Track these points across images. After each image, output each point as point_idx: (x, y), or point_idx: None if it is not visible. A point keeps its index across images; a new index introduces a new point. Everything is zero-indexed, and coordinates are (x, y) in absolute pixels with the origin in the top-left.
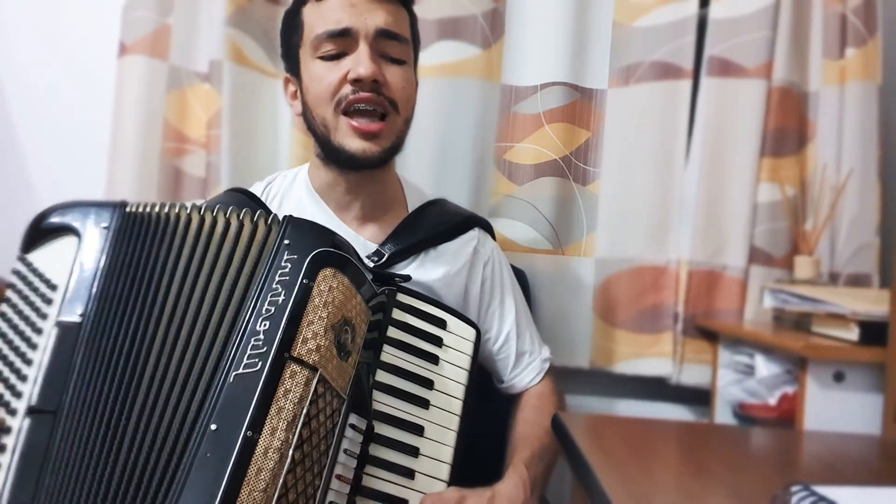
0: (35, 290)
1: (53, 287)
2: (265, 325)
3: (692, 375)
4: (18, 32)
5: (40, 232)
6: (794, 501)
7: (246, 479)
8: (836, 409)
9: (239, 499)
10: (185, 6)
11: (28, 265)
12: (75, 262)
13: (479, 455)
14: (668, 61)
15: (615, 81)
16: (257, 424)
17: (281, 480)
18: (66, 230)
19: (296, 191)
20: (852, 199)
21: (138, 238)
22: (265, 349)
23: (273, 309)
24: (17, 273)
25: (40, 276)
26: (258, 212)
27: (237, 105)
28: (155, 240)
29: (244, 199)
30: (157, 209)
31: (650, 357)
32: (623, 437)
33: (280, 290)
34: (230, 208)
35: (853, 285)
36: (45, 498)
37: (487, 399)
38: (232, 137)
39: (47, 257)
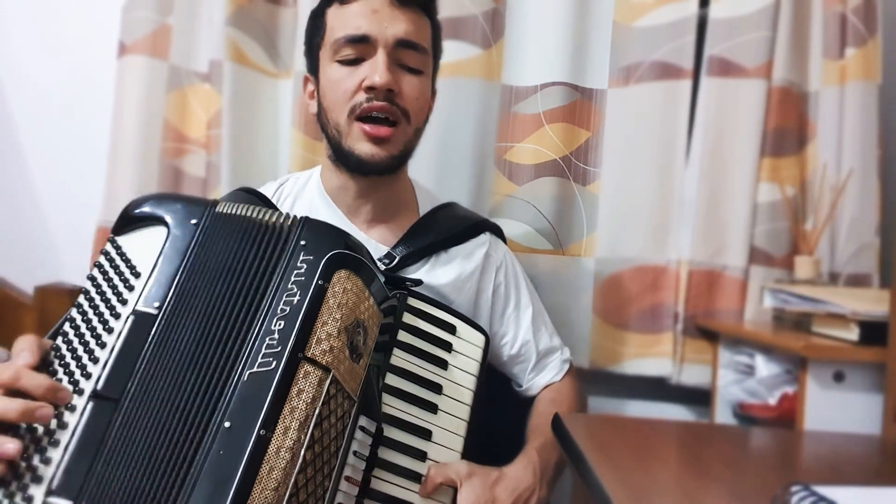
0: (120, 273)
1: (137, 274)
2: (280, 324)
3: (692, 375)
4: (18, 32)
5: (132, 218)
6: (794, 501)
7: (258, 477)
8: (836, 409)
9: (251, 497)
10: (185, 6)
11: (117, 248)
12: (161, 254)
13: (488, 461)
14: (668, 61)
15: (615, 81)
16: (270, 423)
17: (292, 480)
18: (157, 220)
19: (308, 193)
20: (852, 199)
21: (222, 238)
22: (280, 348)
23: (288, 309)
24: (105, 254)
25: (127, 260)
26: (284, 213)
27: (237, 105)
28: (237, 241)
29: (252, 199)
30: (246, 212)
31: (650, 357)
32: (623, 437)
33: (295, 290)
34: (264, 210)
35: (853, 285)
36: (94, 484)
37: (498, 405)
38: (232, 137)
39: (135, 243)
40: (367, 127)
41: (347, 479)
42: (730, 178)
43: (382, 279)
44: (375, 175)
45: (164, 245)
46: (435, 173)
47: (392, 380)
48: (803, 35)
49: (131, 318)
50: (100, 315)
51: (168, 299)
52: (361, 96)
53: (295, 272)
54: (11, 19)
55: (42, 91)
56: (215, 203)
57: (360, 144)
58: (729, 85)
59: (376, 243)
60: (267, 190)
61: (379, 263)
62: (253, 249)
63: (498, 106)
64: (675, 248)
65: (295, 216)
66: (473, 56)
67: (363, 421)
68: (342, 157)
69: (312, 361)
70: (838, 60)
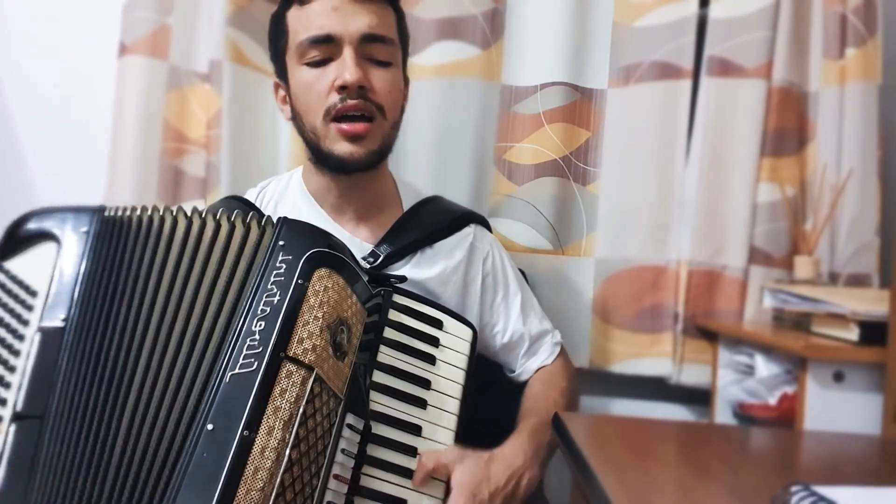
0: (15, 297)
1: (34, 293)
2: (261, 325)
3: (692, 375)
4: (18, 32)
5: (18, 239)
6: (794, 501)
7: (243, 478)
8: (836, 409)
9: (236, 498)
10: (185, 6)
11: (6, 273)
12: (55, 268)
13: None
14: (668, 61)
15: (615, 81)
16: (254, 424)
17: (278, 480)
18: (45, 236)
19: (290, 194)
20: (852, 199)
21: (118, 242)
22: (261, 349)
23: (268, 309)
24: None
25: (20, 283)
26: (251, 213)
27: (237, 105)
28: (136, 243)
29: (240, 205)
30: (136, 213)
31: (650, 357)
32: (623, 437)
33: (275, 290)
34: (220, 210)
35: (853, 285)
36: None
37: (488, 395)
38: (232, 137)
39: (26, 264)
40: (343, 126)
41: (336, 477)
42: (730, 178)
43: (365, 277)
44: (357, 173)
45: (57, 258)
46: (435, 173)
47: (380, 377)
48: (803, 35)
49: (38, 335)
50: (2, 341)
51: (72, 310)
52: (334, 97)
53: (274, 272)
54: (11, 19)
55: (42, 91)
56: (103, 209)
57: (339, 145)
58: (729, 85)
59: (362, 242)
60: (250, 195)
61: (363, 262)
62: (146, 248)
63: (498, 106)
64: (675, 248)
65: (196, 209)
66: (473, 56)
67: (350, 419)
68: (322, 159)
69: (295, 360)
70: (838, 60)
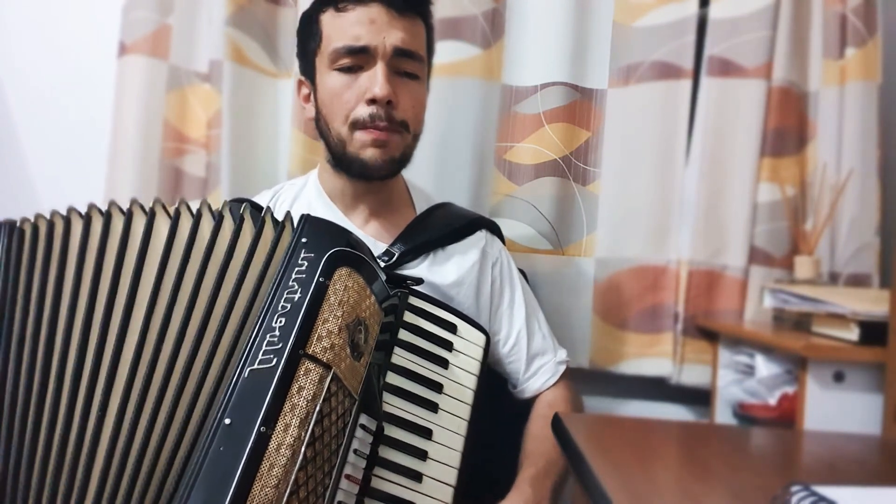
0: None
1: None
2: (281, 321)
3: (692, 375)
4: (18, 32)
5: None
6: (794, 501)
7: (258, 474)
8: (836, 409)
9: (251, 494)
10: (185, 6)
11: None
12: None
13: (490, 461)
14: (668, 61)
15: (615, 81)
16: (271, 420)
17: (293, 477)
18: None
19: (306, 194)
20: (852, 199)
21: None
22: (280, 345)
23: (289, 306)
24: None
25: None
26: (265, 208)
27: (237, 105)
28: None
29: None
30: (162, 208)
31: (650, 357)
32: (623, 437)
33: (296, 287)
34: (244, 206)
35: (853, 285)
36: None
37: (499, 404)
38: (232, 137)
39: None
40: (371, 130)
41: (348, 477)
42: (730, 178)
43: (384, 277)
44: (376, 180)
45: None
46: (435, 173)
47: (393, 378)
48: (803, 35)
49: None
50: None
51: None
52: (363, 110)
53: (296, 269)
54: (11, 19)
55: (42, 91)
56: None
57: (365, 150)
58: (729, 85)
59: (374, 241)
60: (263, 197)
61: (378, 261)
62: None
63: (498, 106)
64: (675, 249)
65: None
66: (473, 56)
67: (364, 419)
68: (345, 164)
69: (313, 359)
70: (838, 60)
